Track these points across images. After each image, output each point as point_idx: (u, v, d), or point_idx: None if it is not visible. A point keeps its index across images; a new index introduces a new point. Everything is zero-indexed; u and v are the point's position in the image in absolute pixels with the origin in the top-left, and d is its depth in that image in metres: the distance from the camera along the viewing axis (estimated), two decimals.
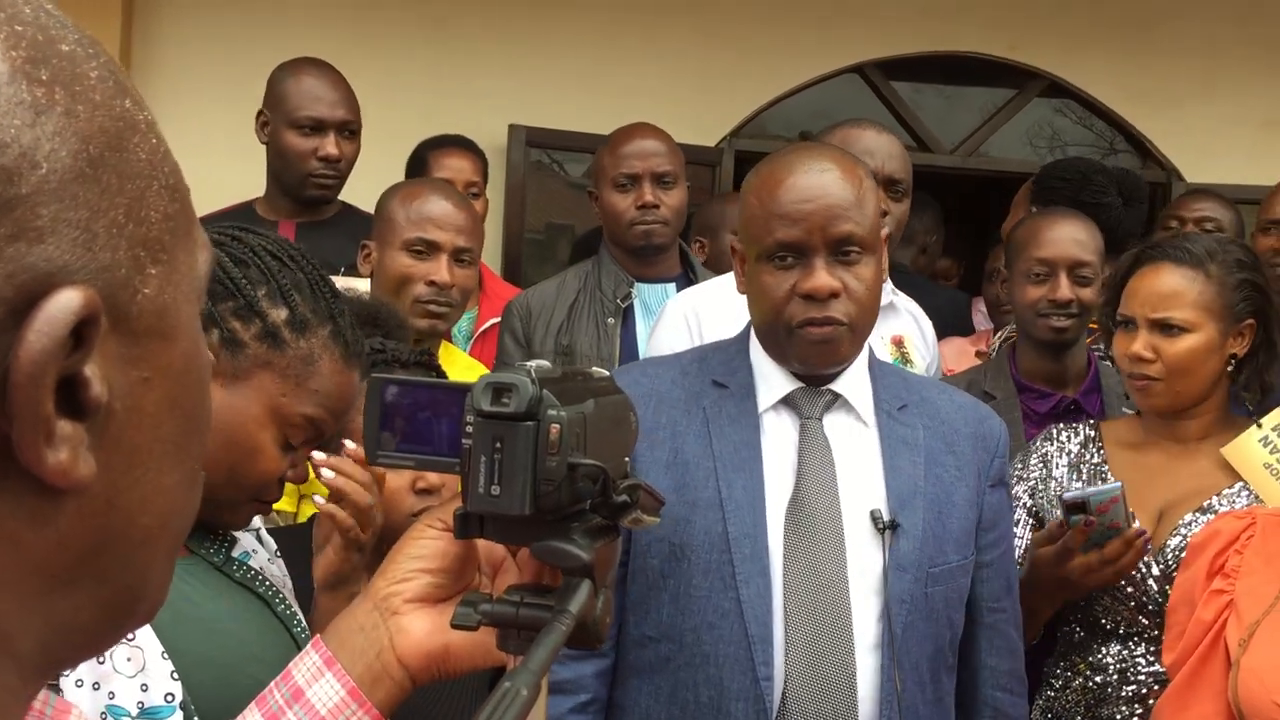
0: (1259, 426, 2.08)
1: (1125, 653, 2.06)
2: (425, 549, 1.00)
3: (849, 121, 2.57)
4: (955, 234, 4.93)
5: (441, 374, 1.85)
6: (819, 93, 4.95)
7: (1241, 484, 2.08)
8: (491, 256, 4.56)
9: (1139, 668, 2.03)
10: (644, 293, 2.97)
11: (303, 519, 2.17)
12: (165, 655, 1.24)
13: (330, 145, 2.93)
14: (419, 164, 3.53)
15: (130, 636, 1.21)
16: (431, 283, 2.40)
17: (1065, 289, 2.49)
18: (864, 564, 1.68)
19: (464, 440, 0.88)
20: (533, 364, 0.91)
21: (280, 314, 1.30)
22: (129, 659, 1.22)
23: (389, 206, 2.47)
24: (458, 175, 3.44)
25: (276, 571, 1.44)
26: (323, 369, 1.34)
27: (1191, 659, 1.76)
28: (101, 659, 1.20)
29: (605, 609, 0.93)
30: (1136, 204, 3.17)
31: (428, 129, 4.35)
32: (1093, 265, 2.51)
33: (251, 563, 1.40)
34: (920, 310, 2.76)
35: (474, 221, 2.50)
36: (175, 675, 1.23)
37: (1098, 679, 2.06)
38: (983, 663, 1.82)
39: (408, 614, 0.99)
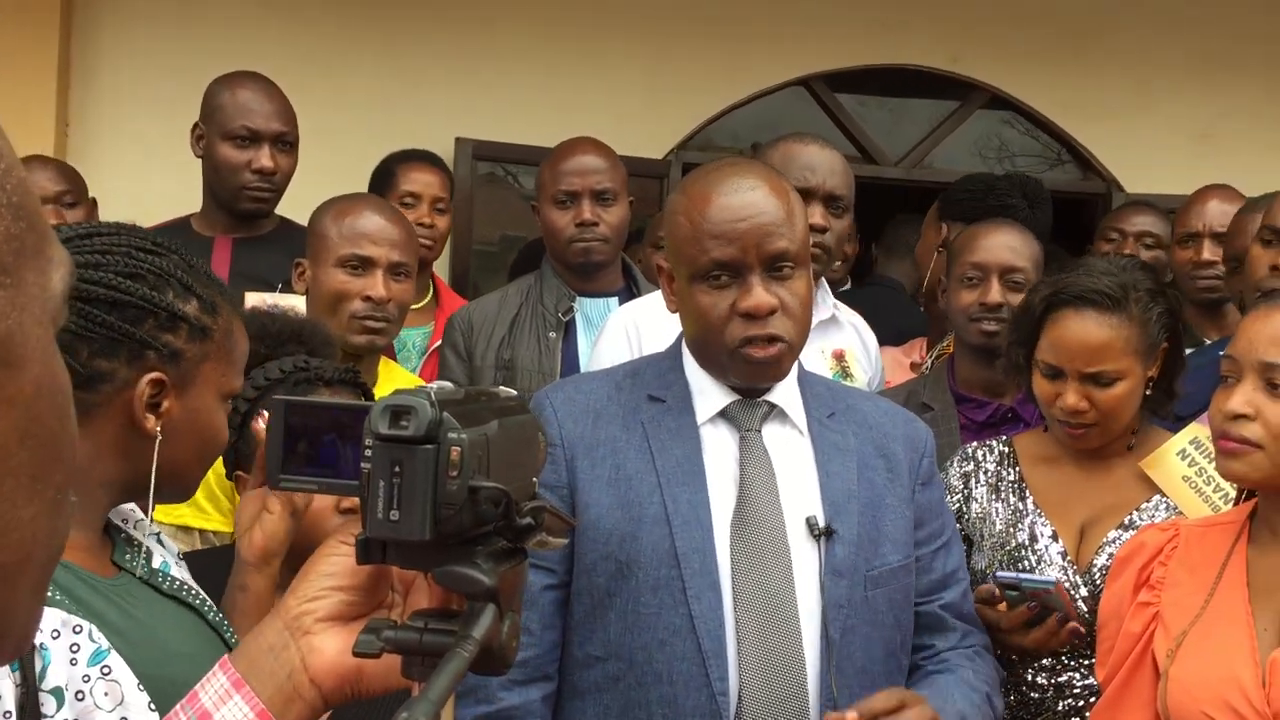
0: (1174, 445, 2.10)
1: (1059, 668, 2.06)
2: (337, 566, 0.99)
3: (790, 136, 2.57)
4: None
5: (368, 392, 1.83)
6: (765, 105, 4.97)
7: (1159, 497, 2.09)
8: (439, 270, 4.55)
9: (1073, 682, 2.04)
10: (586, 306, 2.96)
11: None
12: (140, 686, 1.22)
13: (265, 157, 2.90)
14: (386, 176, 3.51)
15: (106, 670, 1.20)
16: (368, 298, 2.38)
17: (996, 293, 2.51)
18: (804, 572, 1.69)
19: (363, 464, 0.87)
20: (434, 386, 0.90)
21: (192, 306, 1.31)
22: (106, 693, 1.19)
23: (322, 223, 2.45)
24: (425, 189, 3.43)
25: (189, 577, 1.42)
26: (237, 334, 1.38)
27: (1121, 671, 1.77)
28: (80, 695, 1.18)
29: (512, 633, 0.92)
30: (1041, 206, 3.20)
31: (374, 142, 4.32)
32: (1025, 271, 2.53)
33: (173, 573, 1.38)
34: (863, 322, 2.77)
35: (408, 236, 2.49)
36: (152, 706, 1.21)
37: (1034, 695, 2.07)
38: (923, 644, 1.83)
39: (319, 633, 0.98)
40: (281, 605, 0.98)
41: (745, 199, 1.71)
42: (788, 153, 2.46)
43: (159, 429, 1.27)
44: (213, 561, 1.81)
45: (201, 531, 2.18)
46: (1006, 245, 2.56)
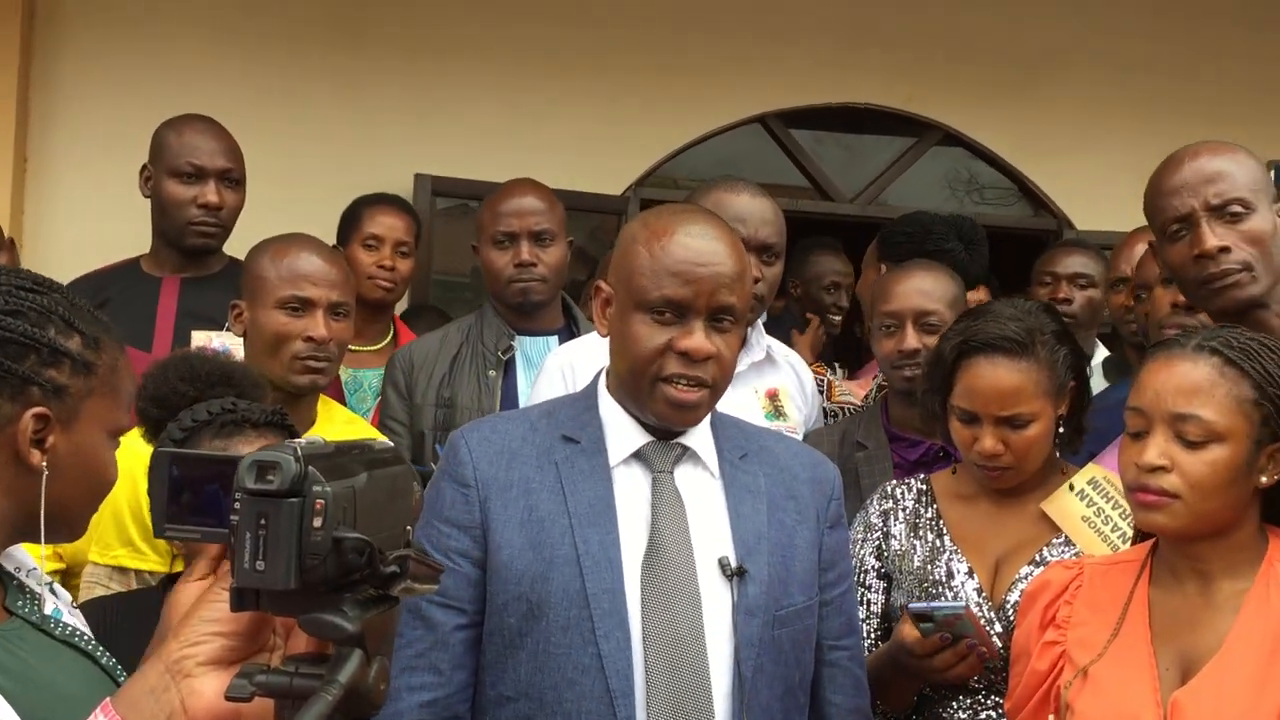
0: (1072, 486, 2.15)
1: (975, 706, 2.10)
2: (218, 612, 1.02)
3: (721, 184, 2.59)
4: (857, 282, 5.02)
5: (294, 433, 1.86)
6: (723, 142, 5.04)
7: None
8: (397, 306, 4.58)
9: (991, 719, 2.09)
10: (525, 345, 3.00)
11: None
12: None
13: (210, 193, 2.96)
14: (352, 218, 3.58)
15: None
16: (309, 339, 2.41)
17: (912, 339, 2.57)
18: (716, 612, 1.72)
19: (232, 516, 0.91)
20: (303, 440, 0.94)
21: (75, 342, 1.32)
22: None
23: (259, 264, 2.48)
24: (388, 232, 3.49)
25: (81, 624, 1.44)
26: (122, 369, 1.38)
27: (1026, 709, 1.81)
28: None
29: (380, 676, 0.96)
30: (978, 246, 3.27)
31: (333, 179, 4.38)
32: (939, 313, 2.59)
33: (65, 619, 1.40)
34: (801, 361, 2.82)
35: (346, 275, 2.52)
36: None
37: None
38: (827, 699, 1.87)
39: (200, 676, 1.01)
40: (163, 649, 1.02)
41: (710, 246, 1.76)
42: (720, 201, 2.48)
43: (45, 464, 1.27)
44: (139, 603, 1.84)
45: (138, 572, 2.19)
46: (918, 290, 2.62)
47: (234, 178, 3.01)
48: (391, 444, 1.05)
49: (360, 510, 0.94)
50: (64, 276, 3.02)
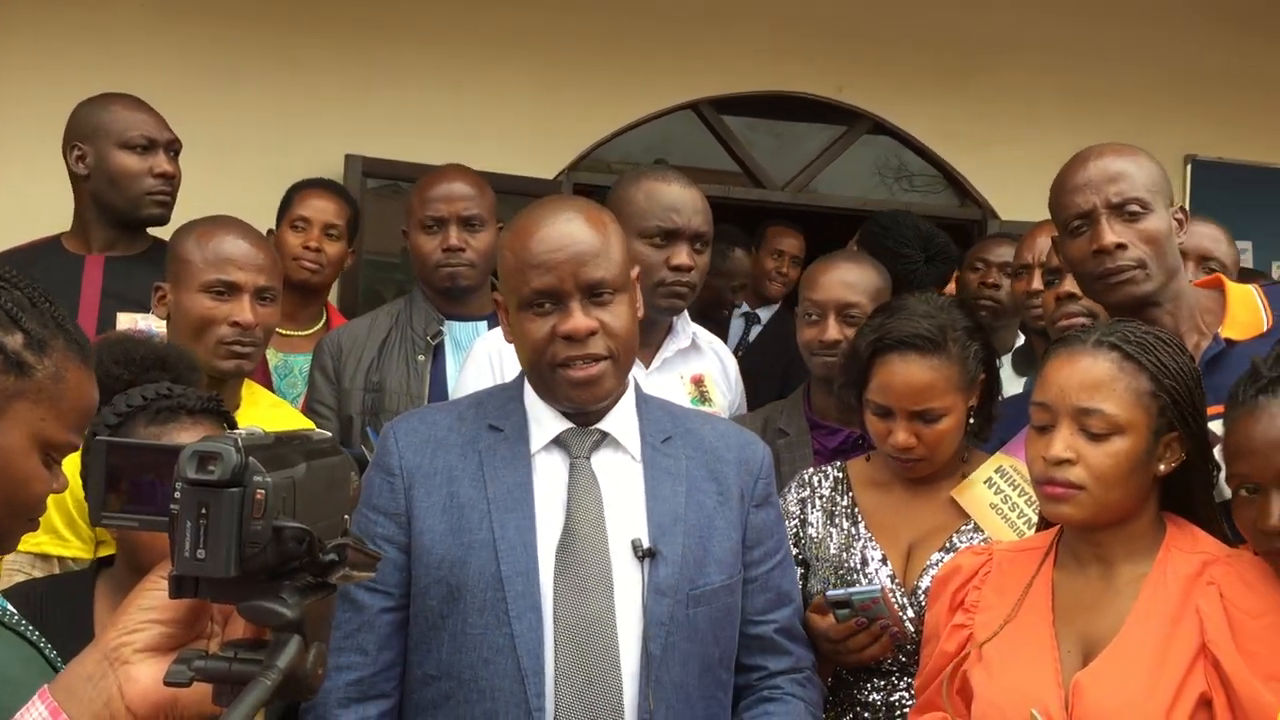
0: (980, 475, 2.23)
1: (889, 687, 2.17)
2: (155, 600, 1.04)
3: (651, 173, 2.64)
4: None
5: (231, 421, 1.87)
6: (655, 127, 5.08)
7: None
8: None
9: (903, 701, 2.15)
10: (455, 330, 3.01)
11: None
12: None
13: (165, 163, 2.96)
14: (286, 199, 3.60)
15: None
16: (235, 324, 2.39)
17: (832, 330, 2.63)
18: (629, 592, 1.78)
19: (172, 506, 0.94)
20: (243, 431, 0.97)
21: (16, 340, 1.26)
22: None
23: (184, 247, 2.45)
24: (317, 215, 3.50)
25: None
26: (71, 381, 1.31)
27: (930, 689, 1.88)
28: None
29: (317, 661, 1.00)
30: (939, 263, 3.36)
31: (266, 159, 4.36)
32: (860, 306, 2.64)
33: (7, 605, 1.40)
34: (724, 347, 2.87)
35: (273, 259, 2.50)
36: None
37: (866, 715, 2.18)
38: (756, 665, 1.93)
39: (137, 663, 1.04)
40: (102, 636, 1.04)
41: (562, 230, 1.81)
42: (651, 193, 2.54)
43: None
44: (66, 587, 1.84)
45: (60, 559, 2.18)
46: (841, 281, 2.68)
47: (177, 150, 3.01)
48: (330, 435, 1.08)
49: (300, 500, 0.97)
50: None
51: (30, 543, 2.14)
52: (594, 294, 1.80)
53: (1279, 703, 1.43)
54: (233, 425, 1.89)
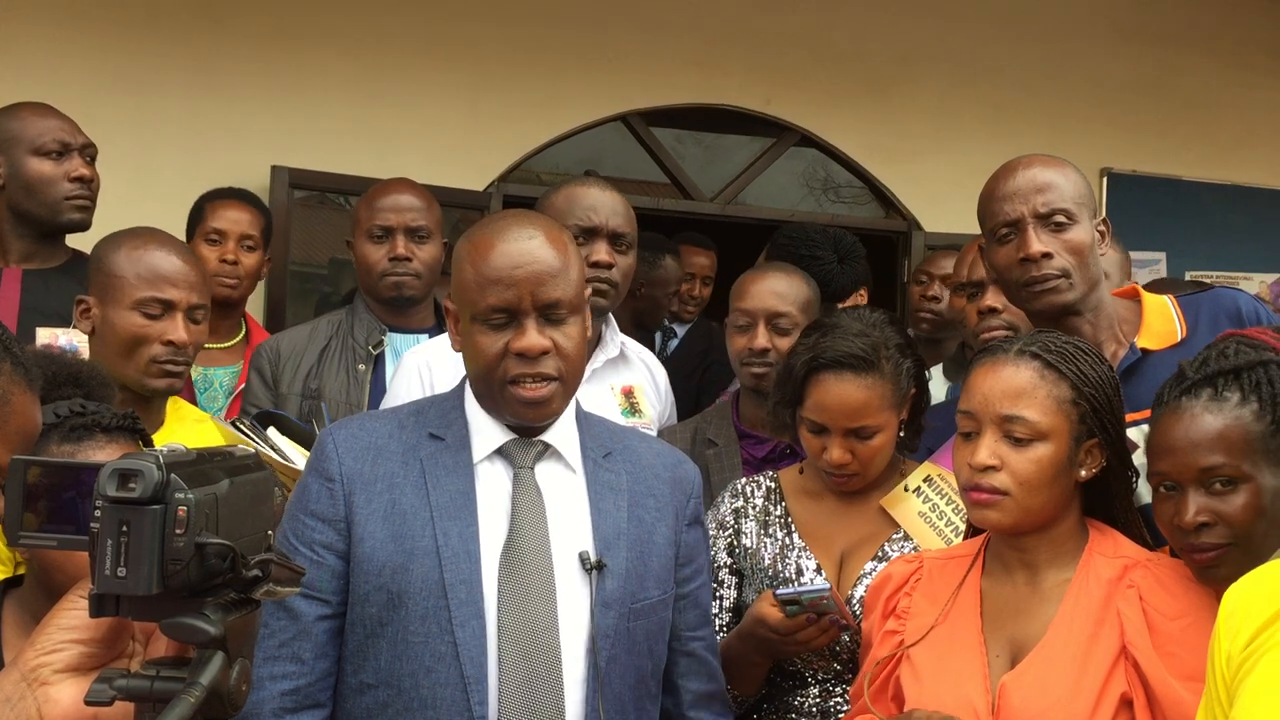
0: (908, 484, 2.26)
1: (824, 694, 2.19)
2: (75, 620, 1.03)
3: (573, 181, 2.68)
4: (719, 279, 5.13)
5: (146, 438, 1.84)
6: (585, 139, 5.08)
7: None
8: (253, 299, 4.51)
9: (838, 707, 2.18)
10: (396, 341, 3.00)
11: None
12: None
13: (81, 166, 2.92)
14: (198, 214, 3.54)
15: None
16: (168, 342, 2.35)
17: (762, 338, 2.66)
18: (573, 603, 1.78)
19: (92, 524, 0.92)
20: (164, 448, 0.95)
21: None
22: None
23: (113, 261, 2.40)
24: (232, 226, 3.45)
25: None
26: (15, 405, 1.32)
27: (865, 693, 1.91)
28: None
29: (241, 677, 0.99)
30: (852, 262, 3.41)
31: (189, 169, 4.29)
32: (790, 315, 2.68)
33: None
34: (654, 358, 2.88)
35: (204, 276, 2.48)
36: None
37: None
38: (684, 687, 1.95)
39: (57, 684, 1.02)
40: (20, 657, 1.02)
41: (523, 247, 1.81)
42: (570, 195, 2.57)
43: None
44: None
45: None
46: (772, 291, 2.71)
47: (93, 154, 2.97)
48: (253, 451, 1.07)
49: (222, 516, 0.96)
50: None
51: None
52: (549, 313, 1.80)
53: (1196, 701, 1.46)
54: (148, 443, 1.85)
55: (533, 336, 1.78)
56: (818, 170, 5.54)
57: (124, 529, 0.91)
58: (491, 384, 1.81)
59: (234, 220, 3.46)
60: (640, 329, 4.50)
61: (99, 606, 0.96)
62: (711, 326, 4.78)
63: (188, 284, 2.39)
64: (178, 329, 2.36)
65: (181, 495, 0.92)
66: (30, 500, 1.01)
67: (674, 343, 5.05)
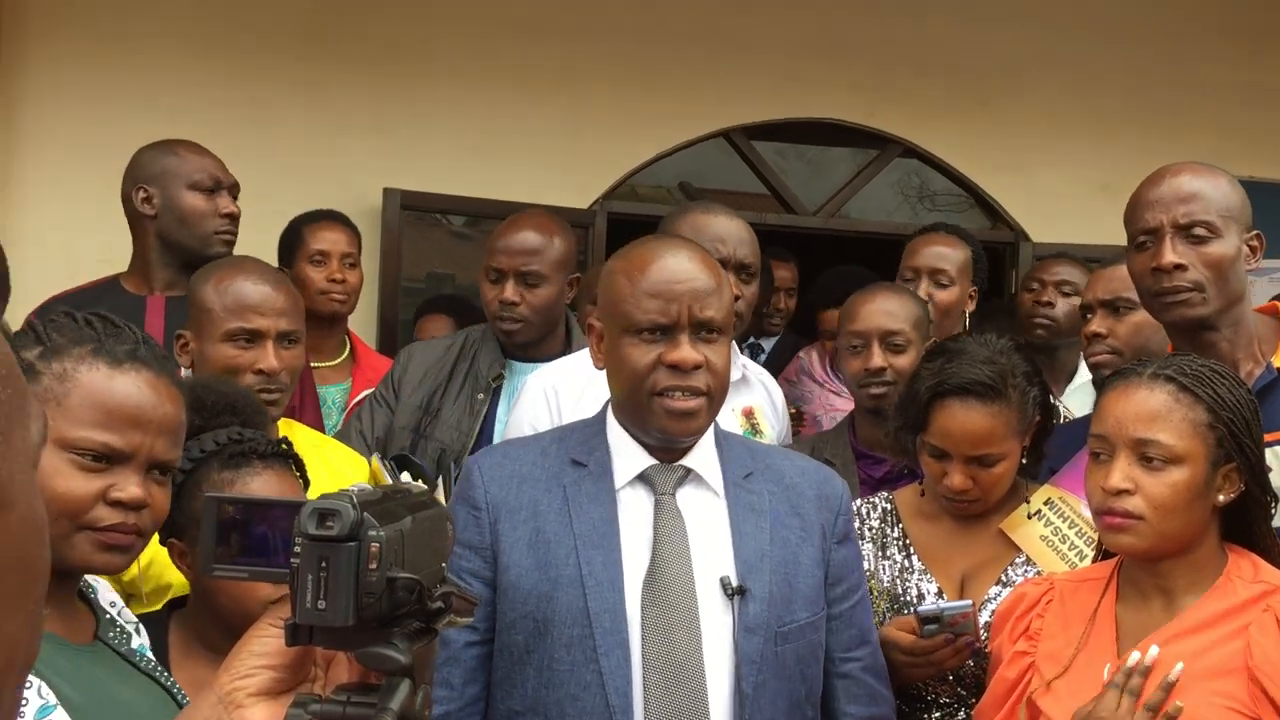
0: (1028, 503, 2.24)
1: (947, 719, 2.18)
2: (267, 646, 1.09)
3: (696, 208, 2.69)
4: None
5: (299, 462, 1.91)
6: (687, 156, 5.13)
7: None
8: (367, 318, 4.63)
9: None
10: (518, 372, 2.96)
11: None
12: None
13: (229, 203, 3.04)
14: (294, 236, 3.64)
15: None
16: (260, 371, 2.34)
17: (877, 358, 2.66)
18: (716, 630, 1.80)
19: (293, 559, 0.98)
20: (354, 488, 1.01)
21: (33, 352, 1.40)
22: None
23: (203, 294, 2.39)
24: (333, 247, 3.56)
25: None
26: (82, 382, 1.42)
27: (996, 715, 1.90)
28: None
29: (424, 703, 1.04)
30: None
31: (302, 194, 4.40)
32: (903, 333, 2.68)
33: (149, 654, 1.46)
34: (772, 380, 2.90)
35: (294, 300, 2.45)
36: None
37: None
38: (843, 711, 1.94)
39: (250, 706, 1.08)
40: (215, 681, 1.09)
41: (684, 265, 1.86)
42: (696, 224, 2.57)
43: None
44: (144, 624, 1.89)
45: None
46: (883, 310, 2.71)
47: (237, 192, 3.10)
48: (426, 488, 1.13)
49: (408, 551, 1.01)
50: (33, 291, 3.09)
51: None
52: (703, 331, 1.84)
53: None
54: (301, 468, 1.92)
55: (687, 349, 1.82)
56: (921, 181, 5.51)
57: (323, 565, 0.96)
58: (639, 395, 1.84)
59: (333, 240, 3.57)
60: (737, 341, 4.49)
61: (294, 636, 1.01)
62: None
63: (275, 311, 2.38)
64: (268, 357, 2.34)
65: (374, 532, 0.97)
66: (222, 534, 1.08)
67: (761, 358, 5.04)
